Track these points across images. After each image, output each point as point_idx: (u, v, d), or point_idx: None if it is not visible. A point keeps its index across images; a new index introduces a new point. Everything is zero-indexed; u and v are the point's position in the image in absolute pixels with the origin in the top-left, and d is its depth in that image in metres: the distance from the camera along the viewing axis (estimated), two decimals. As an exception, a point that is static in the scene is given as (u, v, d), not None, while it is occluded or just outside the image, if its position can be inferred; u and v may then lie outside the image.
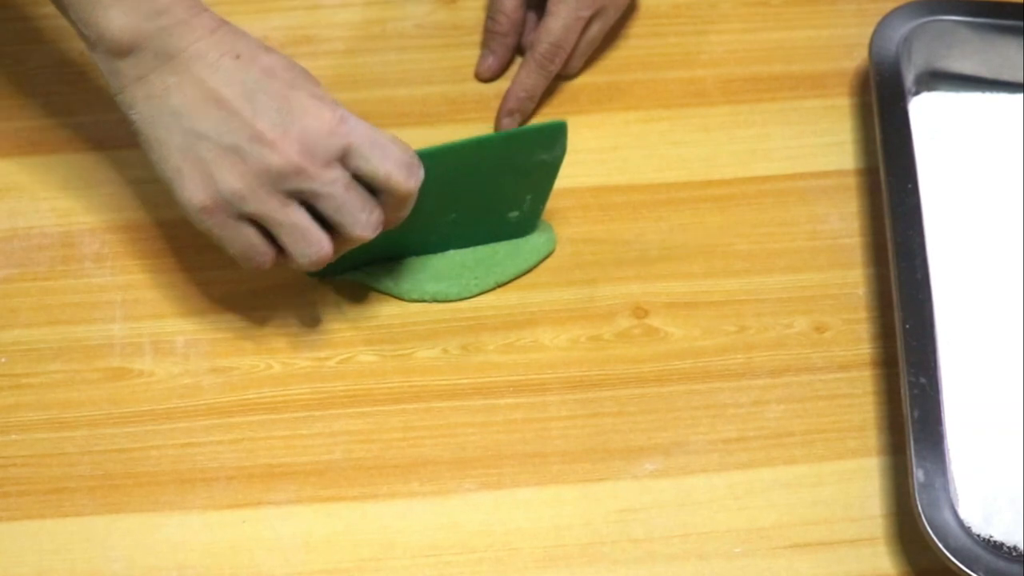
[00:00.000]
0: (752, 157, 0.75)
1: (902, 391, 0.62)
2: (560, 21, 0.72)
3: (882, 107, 0.71)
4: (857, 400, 0.66)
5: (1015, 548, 0.60)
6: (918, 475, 0.59)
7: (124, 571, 0.62)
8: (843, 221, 0.72)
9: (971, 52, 0.74)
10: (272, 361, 0.67)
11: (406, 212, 0.61)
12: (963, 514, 0.60)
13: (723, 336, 0.68)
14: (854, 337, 0.68)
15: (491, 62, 0.76)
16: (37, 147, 0.74)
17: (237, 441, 0.65)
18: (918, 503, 0.59)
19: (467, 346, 0.68)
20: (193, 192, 0.58)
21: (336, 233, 0.60)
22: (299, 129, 0.57)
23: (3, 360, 0.67)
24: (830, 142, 0.75)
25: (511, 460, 0.65)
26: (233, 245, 0.60)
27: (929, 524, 0.58)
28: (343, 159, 0.58)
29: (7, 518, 0.63)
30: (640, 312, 0.69)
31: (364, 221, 0.59)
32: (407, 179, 0.59)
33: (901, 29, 0.73)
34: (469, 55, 0.78)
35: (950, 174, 0.71)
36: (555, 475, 0.64)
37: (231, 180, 0.57)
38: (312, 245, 0.59)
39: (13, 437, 0.65)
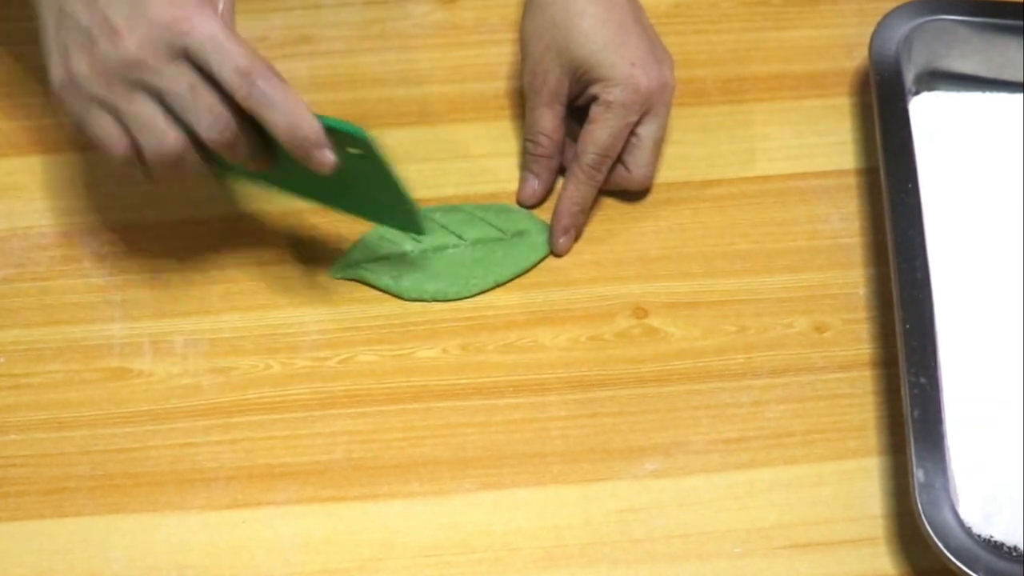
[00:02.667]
0: (752, 157, 0.75)
1: (902, 391, 0.62)
2: (606, 129, 0.68)
3: (882, 107, 0.70)
4: (857, 400, 0.66)
5: (1015, 548, 0.60)
6: (918, 475, 0.59)
7: (123, 571, 0.61)
8: (843, 221, 0.72)
9: (971, 52, 0.74)
10: (272, 361, 0.67)
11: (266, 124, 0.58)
12: (963, 514, 0.60)
13: (723, 336, 0.68)
14: (854, 337, 0.68)
15: (536, 187, 0.72)
16: (36, 147, 0.74)
17: (237, 441, 0.65)
18: (918, 503, 0.59)
19: (467, 346, 0.68)
20: (54, 70, 0.59)
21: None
22: (147, 22, 0.57)
23: (2, 360, 0.67)
24: (830, 142, 0.75)
25: (511, 460, 0.65)
26: (88, 128, 0.60)
27: (929, 524, 0.58)
28: (190, 57, 0.57)
29: (6, 518, 0.63)
30: (640, 312, 0.69)
31: (209, 123, 0.58)
32: (240, 86, 0.57)
33: (901, 29, 0.73)
34: (468, 55, 0.78)
35: (950, 174, 0.71)
36: (555, 475, 0.64)
37: (81, 63, 0.58)
38: (157, 137, 0.58)
39: (12, 437, 0.65)
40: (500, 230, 0.71)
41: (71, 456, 0.65)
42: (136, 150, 0.60)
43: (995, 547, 0.60)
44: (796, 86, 0.77)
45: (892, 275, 0.65)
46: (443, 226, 0.71)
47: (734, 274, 0.70)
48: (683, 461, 0.65)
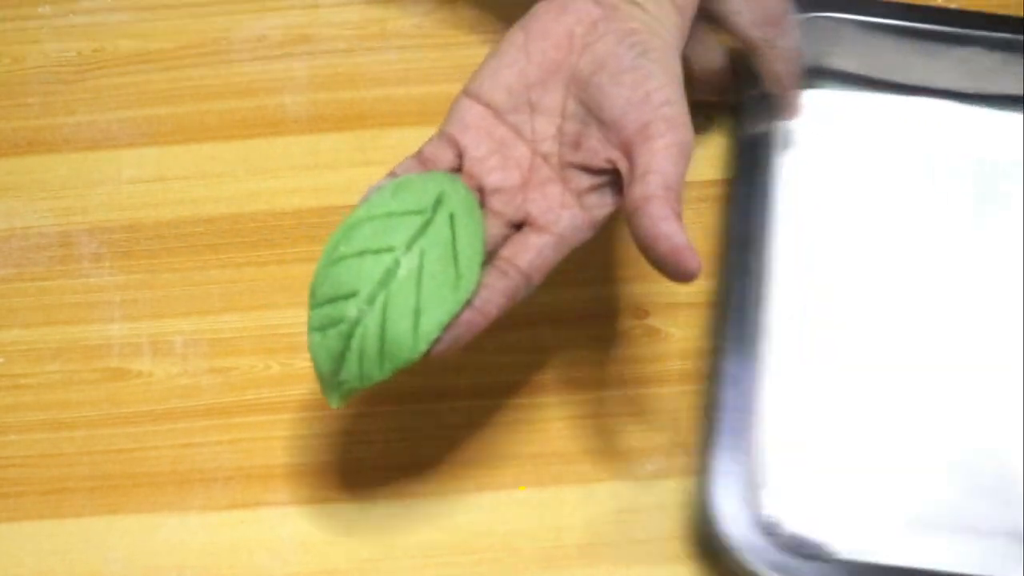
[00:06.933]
0: (752, 157, 0.74)
1: (710, 400, 0.62)
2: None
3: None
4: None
5: (820, 547, 0.60)
6: (722, 485, 0.59)
7: (122, 572, 0.61)
8: (844, 221, 0.72)
9: (854, 51, 0.72)
10: (271, 361, 0.67)
11: None
12: (768, 518, 0.60)
13: (723, 336, 0.68)
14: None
15: None
16: (35, 147, 0.74)
17: (236, 442, 0.65)
18: (716, 512, 0.59)
19: (466, 346, 0.68)
20: None
21: None
22: None
23: (1, 360, 0.67)
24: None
25: (511, 460, 0.64)
26: None
27: (730, 535, 0.58)
28: None
29: (5, 519, 0.63)
30: (640, 312, 0.69)
31: None
32: None
33: None
34: (469, 55, 0.78)
35: (822, 175, 0.70)
36: (555, 475, 0.64)
37: None
38: None
39: (11, 438, 0.65)
40: None
41: (70, 456, 0.65)
42: None
43: (799, 547, 0.60)
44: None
45: (719, 288, 0.66)
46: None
47: (734, 274, 0.70)
48: (684, 462, 0.64)
